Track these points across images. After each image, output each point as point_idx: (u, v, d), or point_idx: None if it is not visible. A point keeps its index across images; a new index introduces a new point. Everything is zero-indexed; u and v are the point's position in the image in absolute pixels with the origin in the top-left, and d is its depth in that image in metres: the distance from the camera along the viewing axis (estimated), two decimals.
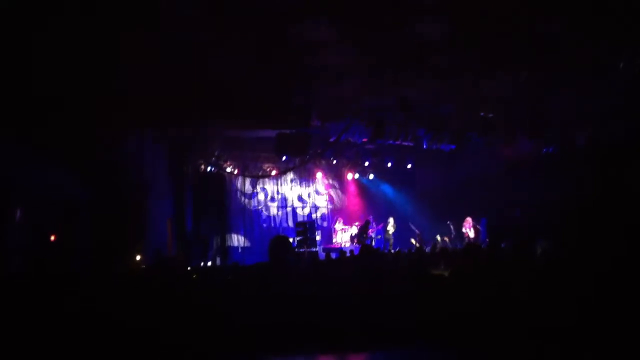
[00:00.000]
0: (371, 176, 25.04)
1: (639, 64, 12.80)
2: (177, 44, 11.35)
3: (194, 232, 19.55)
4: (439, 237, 21.55)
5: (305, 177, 24.58)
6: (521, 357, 7.10)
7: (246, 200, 22.90)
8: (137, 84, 12.44)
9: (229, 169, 21.66)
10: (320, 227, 24.05)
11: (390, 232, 22.61)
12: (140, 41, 11.15)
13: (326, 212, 25.07)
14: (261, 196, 23.63)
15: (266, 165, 22.57)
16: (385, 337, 8.08)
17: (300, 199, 24.68)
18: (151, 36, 11.09)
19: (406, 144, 18.99)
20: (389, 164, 23.23)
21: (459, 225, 21.64)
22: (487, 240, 19.50)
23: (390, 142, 18.76)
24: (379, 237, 23.05)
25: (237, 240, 22.33)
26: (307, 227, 21.03)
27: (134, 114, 13.45)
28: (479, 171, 20.15)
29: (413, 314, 8.41)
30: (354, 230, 22.87)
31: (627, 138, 15.11)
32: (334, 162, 23.29)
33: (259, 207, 23.52)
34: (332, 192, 25.31)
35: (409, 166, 23.59)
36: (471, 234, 21.33)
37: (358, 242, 21.59)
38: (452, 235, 21.60)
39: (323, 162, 23.24)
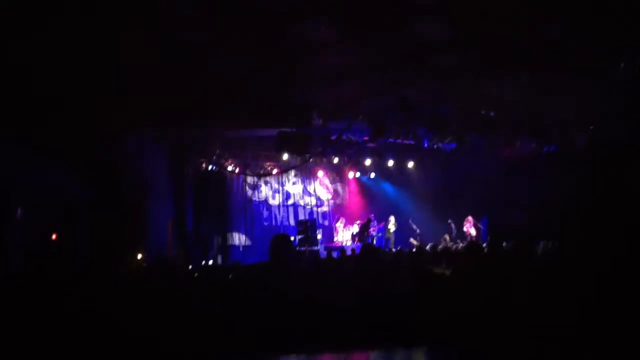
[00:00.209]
0: (372, 175, 25.04)
1: (639, 64, 12.78)
2: (177, 44, 11.34)
3: (195, 231, 19.58)
4: (447, 237, 21.54)
5: (307, 175, 24.59)
6: (521, 357, 7.10)
7: (247, 199, 22.90)
8: (137, 84, 12.43)
9: (230, 168, 21.66)
10: (322, 226, 24.08)
11: (391, 231, 22.62)
12: (140, 41, 11.14)
13: (327, 211, 25.09)
14: (262, 195, 23.64)
15: (267, 163, 22.55)
16: (387, 337, 8.09)
17: (301, 197, 24.69)
18: (151, 36, 11.08)
19: (407, 142, 18.99)
20: (390, 163, 23.23)
21: (460, 224, 21.65)
22: (488, 239, 19.50)
23: (391, 140, 18.76)
24: (380, 235, 23.05)
25: (238, 239, 22.34)
26: (308, 225, 21.06)
27: (134, 114, 13.45)
28: (480, 170, 20.16)
29: (414, 314, 8.41)
30: (355, 228, 22.87)
31: (627, 138, 15.10)
32: (335, 160, 23.28)
33: (260, 206, 23.53)
34: (333, 191, 25.32)
35: (410, 165, 23.60)
36: (472, 232, 21.34)
37: (359, 241, 21.62)
38: (454, 234, 21.61)
39: (324, 160, 23.22)
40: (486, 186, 20.12)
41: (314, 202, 24.77)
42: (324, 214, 24.94)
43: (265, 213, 23.70)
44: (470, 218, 21.51)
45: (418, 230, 22.11)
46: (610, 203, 13.61)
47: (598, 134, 17.16)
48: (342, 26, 11.32)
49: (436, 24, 11.31)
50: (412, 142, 19.15)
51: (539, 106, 15.92)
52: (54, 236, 12.97)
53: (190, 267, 15.21)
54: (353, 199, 25.38)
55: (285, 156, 19.65)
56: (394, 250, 20.60)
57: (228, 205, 22.08)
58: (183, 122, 15.25)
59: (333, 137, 18.16)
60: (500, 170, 19.81)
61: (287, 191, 24.30)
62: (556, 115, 16.72)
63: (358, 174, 25.19)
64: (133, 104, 13.01)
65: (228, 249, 21.53)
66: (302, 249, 19.76)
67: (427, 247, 20.41)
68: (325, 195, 25.12)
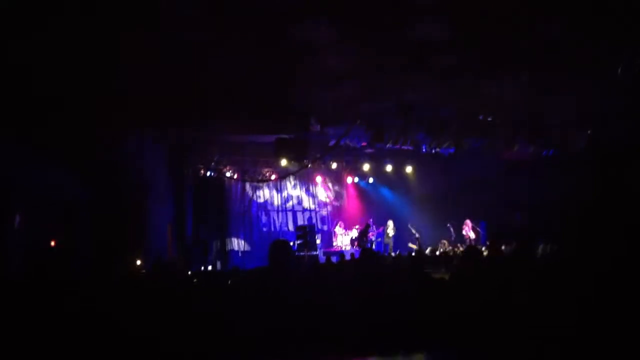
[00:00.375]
0: (371, 180, 25.08)
1: (639, 64, 12.80)
2: (177, 44, 11.33)
3: (194, 235, 19.55)
4: (446, 242, 21.53)
5: (305, 181, 24.64)
6: (521, 359, 7.07)
7: (246, 205, 22.90)
8: (137, 84, 12.44)
9: (228, 174, 21.67)
10: (321, 231, 24.11)
11: (390, 236, 22.62)
12: (140, 41, 11.13)
13: (326, 216, 25.10)
14: (261, 200, 23.66)
15: (265, 169, 22.58)
16: (386, 341, 8.06)
17: (300, 202, 24.71)
18: (151, 36, 11.08)
19: (405, 147, 19.00)
20: (389, 168, 23.26)
21: (459, 227, 21.67)
22: (487, 242, 19.51)
23: (390, 146, 18.77)
24: (379, 240, 23.06)
25: (237, 244, 22.35)
26: (307, 230, 21.07)
27: (134, 114, 13.46)
28: (479, 173, 20.18)
29: (414, 318, 8.39)
30: (354, 233, 22.88)
31: (627, 138, 15.11)
32: (334, 165, 23.30)
33: (259, 211, 23.53)
34: (331, 196, 25.34)
35: (409, 169, 23.64)
36: (472, 235, 21.36)
37: (358, 246, 21.61)
38: (453, 238, 21.61)
39: (322, 166, 23.25)
40: (486, 188, 20.15)
41: (312, 207, 24.81)
42: (322, 219, 24.95)
43: (264, 218, 23.71)
44: (468, 221, 21.55)
45: (417, 235, 22.11)
46: (610, 203, 13.60)
47: (598, 134, 17.18)
48: (342, 26, 11.32)
49: (436, 24, 11.31)
50: (410, 148, 19.17)
51: (538, 106, 15.95)
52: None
53: (189, 272, 15.16)
54: (352, 203, 25.42)
55: (284, 162, 19.66)
56: (393, 254, 20.58)
57: (227, 210, 22.09)
58: (183, 122, 15.26)
59: (331, 143, 18.17)
60: (500, 172, 19.84)
61: (285, 196, 24.32)
62: (556, 115, 16.75)
63: (357, 179, 25.23)
64: (133, 104, 13.01)
65: (227, 254, 21.52)
66: (301, 253, 19.75)
67: (426, 251, 20.42)
68: (324, 200, 25.13)
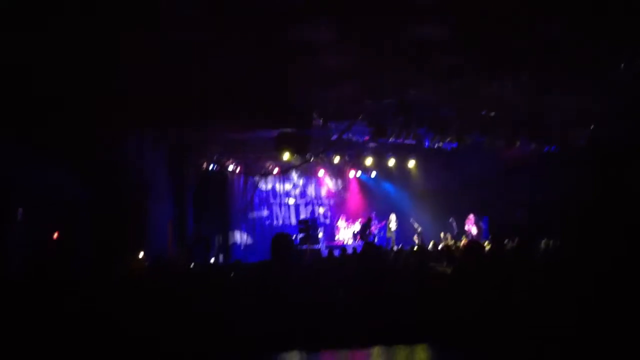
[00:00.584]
0: (373, 174, 25.11)
1: (639, 64, 12.77)
2: (177, 44, 11.33)
3: (196, 231, 19.62)
4: (449, 236, 21.54)
5: (308, 174, 24.69)
6: (522, 356, 7.13)
7: (248, 198, 22.97)
8: (137, 84, 12.45)
9: (230, 168, 21.72)
10: (323, 225, 24.20)
11: (393, 230, 22.68)
12: (140, 41, 11.13)
13: (328, 210, 25.15)
14: (263, 194, 23.72)
15: (268, 163, 22.62)
16: (388, 335, 8.13)
17: (302, 196, 24.77)
18: (151, 36, 11.07)
19: (408, 142, 18.99)
20: (391, 162, 23.27)
21: (462, 222, 21.68)
22: (490, 237, 19.53)
23: (392, 140, 18.76)
24: (382, 234, 23.11)
25: (240, 238, 22.45)
26: (309, 224, 21.18)
27: (134, 114, 13.48)
28: (480, 170, 20.20)
29: (415, 312, 8.45)
30: (356, 227, 22.94)
31: (627, 138, 15.10)
32: (336, 160, 23.32)
33: (261, 205, 23.61)
34: (334, 190, 25.37)
35: (411, 164, 23.64)
36: (474, 231, 21.36)
37: (361, 239, 21.68)
38: (455, 232, 21.63)
39: (325, 159, 23.26)
40: (487, 185, 20.17)
41: (315, 201, 24.85)
42: (325, 213, 25.02)
43: (267, 212, 23.78)
44: (471, 216, 21.55)
45: (419, 229, 22.14)
46: (611, 203, 13.62)
47: (598, 134, 17.16)
48: (342, 26, 11.30)
49: (436, 24, 11.29)
50: (412, 142, 19.15)
51: (539, 106, 15.92)
52: (54, 236, 12.98)
53: (192, 265, 15.24)
54: (354, 198, 25.49)
55: (286, 156, 19.69)
56: (395, 248, 20.62)
57: (229, 204, 22.18)
58: (183, 122, 15.27)
59: (334, 138, 18.16)
60: (501, 170, 19.85)
61: (288, 190, 24.37)
62: (556, 115, 16.72)
63: (359, 173, 25.28)
64: (133, 104, 13.02)
65: (229, 248, 21.62)
66: (304, 247, 19.81)
67: (429, 246, 20.44)
68: (326, 194, 25.17)
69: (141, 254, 14.30)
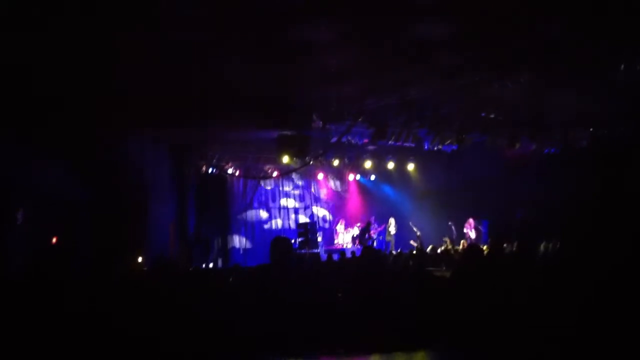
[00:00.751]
0: (373, 177, 25.07)
1: (639, 65, 12.78)
2: (177, 44, 11.32)
3: (196, 234, 19.58)
4: (448, 240, 21.51)
5: (307, 178, 24.65)
6: (522, 359, 7.08)
7: (247, 202, 22.94)
8: (137, 84, 12.44)
9: (230, 171, 21.69)
10: (322, 229, 24.15)
11: (392, 233, 22.65)
12: (140, 41, 11.13)
13: (328, 213, 25.11)
14: (262, 197, 23.68)
15: (267, 166, 22.60)
16: (387, 339, 8.07)
17: (301, 200, 24.73)
18: (151, 36, 11.07)
19: (407, 144, 18.98)
20: (391, 165, 23.25)
21: (461, 226, 21.64)
22: (489, 241, 19.49)
23: (392, 143, 18.75)
24: (381, 237, 23.07)
25: (239, 241, 22.40)
26: (308, 228, 21.13)
27: (134, 114, 13.46)
28: (481, 171, 20.16)
29: (414, 316, 8.40)
30: (355, 231, 22.90)
31: (627, 138, 15.10)
32: (336, 162, 23.30)
33: (261, 208, 23.56)
34: (333, 193, 25.35)
35: (411, 167, 23.62)
36: (472, 234, 21.33)
37: (360, 243, 21.63)
38: (454, 236, 21.60)
39: (324, 162, 23.24)
40: (487, 187, 20.13)
41: (314, 204, 24.82)
42: (324, 217, 24.98)
43: (266, 215, 23.73)
44: (471, 220, 21.52)
45: (418, 232, 22.10)
46: (611, 203, 13.58)
47: (599, 134, 17.17)
48: (343, 26, 11.30)
49: (436, 23, 11.29)
50: (412, 145, 19.15)
51: (539, 106, 15.93)
52: (54, 236, 12.97)
53: (191, 269, 15.20)
54: (353, 201, 25.44)
55: (286, 159, 19.68)
56: (394, 252, 20.60)
57: (229, 208, 22.13)
58: (183, 123, 15.26)
59: (333, 140, 18.16)
60: (502, 170, 19.83)
61: (287, 194, 24.33)
62: (556, 115, 16.73)
63: (358, 176, 25.24)
64: (133, 104, 13.02)
65: (228, 252, 21.56)
66: (303, 251, 19.77)
67: (428, 250, 20.43)
68: (326, 197, 25.14)
69: (140, 259, 14.28)
